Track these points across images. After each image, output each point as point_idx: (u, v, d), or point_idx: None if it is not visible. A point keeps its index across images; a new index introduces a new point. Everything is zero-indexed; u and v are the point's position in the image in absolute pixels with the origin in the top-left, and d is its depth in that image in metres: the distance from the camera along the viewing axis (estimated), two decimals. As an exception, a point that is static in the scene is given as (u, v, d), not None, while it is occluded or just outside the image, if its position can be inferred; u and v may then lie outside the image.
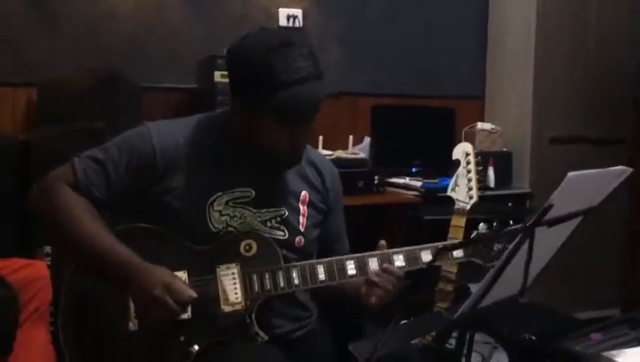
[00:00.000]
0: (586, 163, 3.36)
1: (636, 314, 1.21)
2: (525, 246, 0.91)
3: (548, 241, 1.03)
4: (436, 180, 2.89)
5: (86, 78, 2.55)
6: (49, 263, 2.12)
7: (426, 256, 1.35)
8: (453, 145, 1.69)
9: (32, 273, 1.93)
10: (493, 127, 3.36)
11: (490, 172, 3.15)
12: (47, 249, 2.21)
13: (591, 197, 0.99)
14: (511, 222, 1.33)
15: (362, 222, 2.91)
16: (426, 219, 2.74)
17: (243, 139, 1.35)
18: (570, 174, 0.83)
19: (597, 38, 3.32)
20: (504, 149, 3.32)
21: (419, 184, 2.92)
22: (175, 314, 1.23)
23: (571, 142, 3.28)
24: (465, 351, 1.86)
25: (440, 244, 1.37)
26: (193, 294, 1.25)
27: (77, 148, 1.39)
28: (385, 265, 1.32)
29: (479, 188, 1.67)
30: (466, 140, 3.34)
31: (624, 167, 0.96)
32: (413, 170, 3.13)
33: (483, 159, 3.13)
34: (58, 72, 2.64)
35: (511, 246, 0.89)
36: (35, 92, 2.60)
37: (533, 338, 1.82)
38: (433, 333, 1.21)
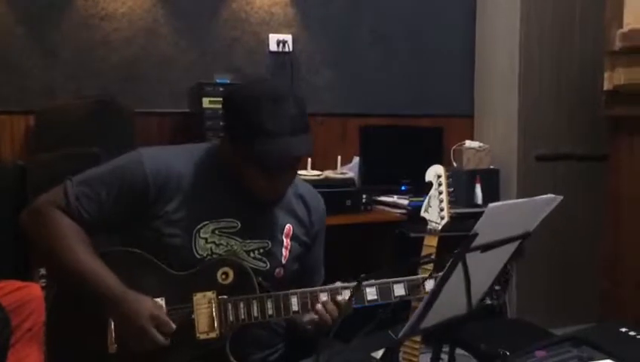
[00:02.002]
0: (571, 179, 3.44)
1: (578, 333, 1.27)
2: (460, 270, 0.98)
3: (488, 264, 1.10)
4: (423, 199, 2.95)
5: (81, 105, 2.65)
6: (44, 285, 2.19)
7: (399, 290, 1.38)
8: (442, 163, 1.74)
9: (26, 294, 2.00)
10: (481, 145, 3.43)
11: (478, 189, 3.22)
12: (43, 271, 2.30)
13: (524, 223, 1.06)
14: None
15: (351, 240, 3.00)
16: (412, 236, 2.81)
17: (231, 173, 1.41)
18: (491, 205, 0.90)
19: (580, 58, 3.39)
20: (491, 166, 3.39)
21: (405, 202, 3.00)
22: (159, 344, 1.29)
23: (557, 159, 3.34)
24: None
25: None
26: (174, 326, 1.31)
27: (72, 173, 1.41)
28: (337, 298, 1.36)
29: (450, 209, 1.72)
30: (454, 158, 3.43)
31: (554, 196, 1.03)
32: (403, 188, 3.21)
33: (470, 176, 3.25)
34: (55, 99, 2.76)
35: (443, 271, 0.96)
36: (33, 119, 2.72)
37: (508, 353, 1.87)
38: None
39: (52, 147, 2.56)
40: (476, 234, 0.92)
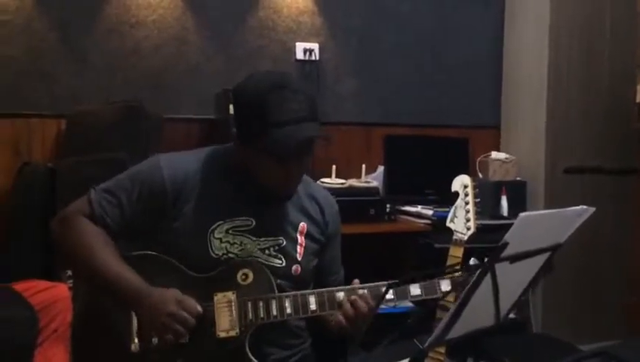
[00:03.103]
0: (599, 192, 3.39)
1: (608, 348, 1.24)
2: (488, 280, 0.97)
3: (517, 275, 1.08)
4: (448, 209, 2.93)
5: (111, 110, 2.70)
6: (71, 286, 2.23)
7: (415, 290, 1.39)
8: (468, 174, 1.73)
9: (54, 295, 2.05)
10: (507, 156, 3.39)
11: (504, 201, 3.18)
12: (70, 272, 2.33)
13: (555, 234, 1.04)
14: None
15: (374, 249, 2.99)
16: (437, 247, 2.79)
17: (244, 172, 1.43)
18: (522, 214, 0.89)
19: (610, 68, 3.35)
20: (518, 178, 3.35)
21: (430, 213, 2.98)
22: (189, 325, 1.31)
23: (585, 171, 3.28)
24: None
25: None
26: (200, 309, 1.34)
27: (101, 176, 1.48)
28: (362, 294, 1.37)
29: (477, 220, 1.70)
30: (480, 170, 3.40)
31: (586, 207, 1.01)
32: (427, 198, 3.19)
33: (496, 188, 3.21)
34: (85, 104, 2.81)
35: (471, 282, 0.95)
36: (64, 123, 2.77)
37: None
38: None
39: (81, 151, 2.61)
40: (506, 244, 0.91)
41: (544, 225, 0.99)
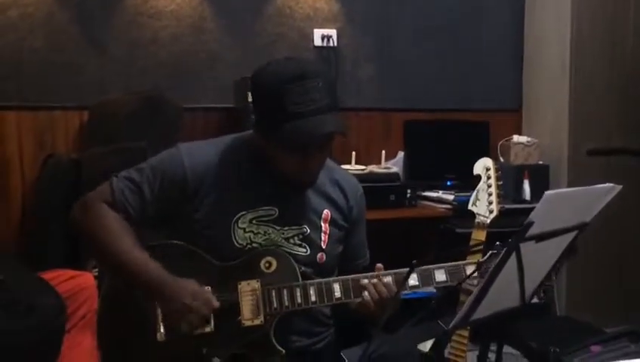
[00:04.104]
0: (625, 175, 3.34)
1: (637, 327, 1.22)
2: (513, 261, 0.96)
3: (543, 254, 1.07)
4: (469, 194, 2.91)
5: (132, 100, 2.73)
6: (96, 274, 2.27)
7: (440, 276, 1.38)
8: (489, 158, 1.71)
9: (80, 283, 2.08)
10: (529, 139, 3.35)
11: (526, 185, 3.15)
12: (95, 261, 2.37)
13: (581, 213, 1.03)
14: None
15: (394, 235, 2.98)
16: (458, 231, 2.77)
17: (265, 160, 1.43)
18: (548, 192, 0.87)
19: (635, 46, 3.27)
20: (540, 162, 3.30)
21: (451, 198, 2.96)
22: (203, 318, 1.32)
23: (609, 153, 3.22)
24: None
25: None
26: (217, 303, 1.34)
27: (123, 165, 1.49)
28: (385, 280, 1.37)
29: (499, 203, 1.69)
30: (501, 154, 3.36)
31: (612, 185, 1.00)
32: (448, 183, 3.17)
33: (518, 172, 3.17)
34: (107, 95, 2.84)
35: (496, 261, 0.94)
36: (87, 114, 2.80)
37: (558, 350, 1.83)
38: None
39: (104, 141, 2.64)
40: (532, 223, 0.90)
41: (570, 203, 0.98)
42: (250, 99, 2.57)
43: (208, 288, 1.38)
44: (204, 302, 1.33)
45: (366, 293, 1.36)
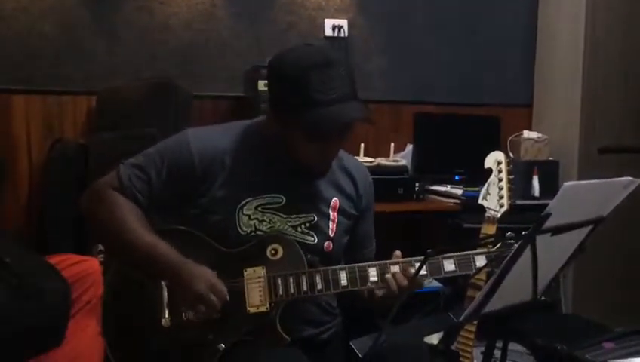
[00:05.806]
0: (637, 173, 3.29)
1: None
2: (528, 253, 0.94)
3: (557, 248, 1.05)
4: (477, 188, 2.89)
5: (141, 87, 2.71)
6: (102, 260, 2.26)
7: (449, 265, 1.36)
8: None
9: (85, 268, 2.07)
10: (539, 135, 3.32)
11: (535, 181, 3.12)
12: (101, 247, 2.36)
13: (598, 206, 1.00)
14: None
15: (402, 228, 2.97)
16: (465, 226, 2.75)
17: (276, 147, 1.41)
18: (566, 184, 0.85)
19: (649, 45, 3.24)
20: (550, 158, 3.27)
21: (459, 192, 2.93)
22: (215, 310, 1.31)
23: (620, 151, 3.19)
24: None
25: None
26: (227, 296, 1.33)
27: (131, 152, 1.47)
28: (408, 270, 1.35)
29: (510, 197, 1.67)
30: (511, 149, 3.33)
31: (631, 178, 0.97)
32: (456, 177, 3.14)
33: (528, 167, 3.15)
34: (116, 81, 2.82)
35: (511, 254, 0.92)
36: (95, 100, 2.79)
37: (565, 348, 1.81)
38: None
39: (112, 127, 2.63)
40: (549, 214, 0.88)
41: (588, 196, 0.96)
42: (260, 88, 2.65)
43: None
44: (219, 294, 1.31)
45: (393, 281, 1.34)
